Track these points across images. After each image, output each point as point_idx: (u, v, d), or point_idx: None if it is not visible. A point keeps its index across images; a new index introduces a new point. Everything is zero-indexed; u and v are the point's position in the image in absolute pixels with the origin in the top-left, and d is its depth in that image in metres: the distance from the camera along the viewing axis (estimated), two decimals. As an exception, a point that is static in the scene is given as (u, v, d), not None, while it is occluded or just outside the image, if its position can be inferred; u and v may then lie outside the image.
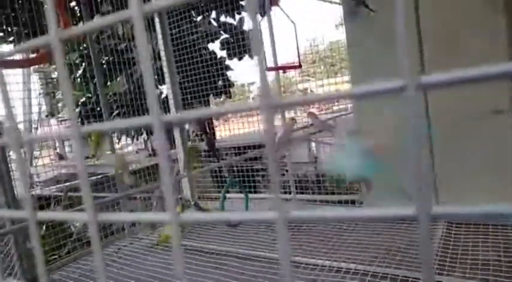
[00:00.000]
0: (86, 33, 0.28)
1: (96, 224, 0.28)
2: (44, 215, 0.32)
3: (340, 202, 2.59)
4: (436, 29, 2.10)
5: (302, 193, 2.92)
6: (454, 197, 2.13)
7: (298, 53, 2.10)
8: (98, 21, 0.27)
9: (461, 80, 0.18)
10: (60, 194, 3.58)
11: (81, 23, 2.55)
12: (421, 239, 0.20)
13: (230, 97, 4.65)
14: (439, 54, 2.07)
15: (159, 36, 3.08)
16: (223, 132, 4.40)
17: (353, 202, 2.54)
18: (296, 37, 2.06)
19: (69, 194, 2.82)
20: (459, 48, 2.02)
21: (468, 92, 1.77)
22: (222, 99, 5.46)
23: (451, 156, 2.11)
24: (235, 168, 3.34)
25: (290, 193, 2.84)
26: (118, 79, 3.68)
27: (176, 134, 3.27)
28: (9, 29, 4.47)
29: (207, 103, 4.24)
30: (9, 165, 2.27)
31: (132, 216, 0.26)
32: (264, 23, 2.43)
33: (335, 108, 4.86)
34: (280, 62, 2.54)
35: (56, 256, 2.36)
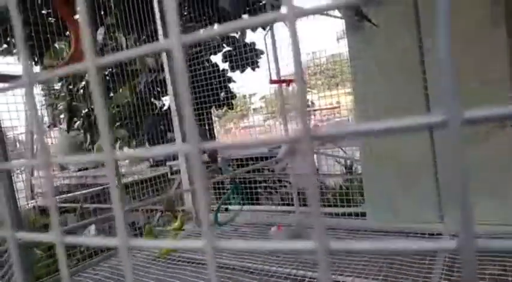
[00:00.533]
0: (121, 61, 0.28)
1: (127, 249, 0.28)
2: (73, 239, 0.32)
3: (343, 215, 2.58)
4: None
5: (305, 205, 2.91)
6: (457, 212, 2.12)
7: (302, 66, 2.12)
8: (134, 51, 0.27)
9: (506, 116, 0.18)
10: (62, 205, 3.56)
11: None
12: (464, 274, 0.20)
13: (232, 108, 4.67)
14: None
15: (163, 49, 3.11)
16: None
17: (357, 215, 2.53)
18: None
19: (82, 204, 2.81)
20: (459, 63, 2.04)
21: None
22: (223, 111, 5.48)
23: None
24: (237, 179, 3.34)
25: (293, 205, 2.83)
26: (121, 91, 3.70)
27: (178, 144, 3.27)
28: (13, 41, 4.51)
29: (209, 114, 4.25)
30: (12, 176, 2.27)
31: (166, 243, 0.26)
32: (266, 35, 2.46)
33: (337, 119, 4.89)
34: (283, 74, 2.56)
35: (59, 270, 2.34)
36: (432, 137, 2.19)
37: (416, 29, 2.17)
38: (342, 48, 2.90)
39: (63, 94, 4.44)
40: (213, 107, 4.23)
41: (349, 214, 2.57)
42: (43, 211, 3.24)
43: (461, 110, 0.18)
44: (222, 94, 4.12)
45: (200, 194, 0.24)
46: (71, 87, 4.07)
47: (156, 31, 3.18)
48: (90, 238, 0.31)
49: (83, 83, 4.26)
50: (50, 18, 3.61)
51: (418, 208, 2.24)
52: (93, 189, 3.36)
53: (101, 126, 0.27)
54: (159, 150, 0.26)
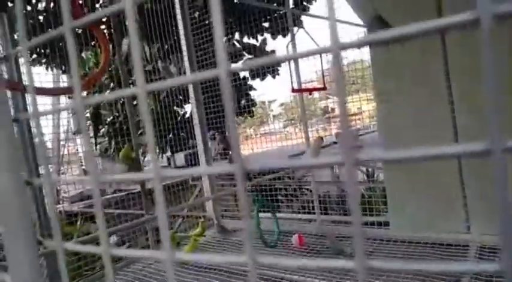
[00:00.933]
0: (169, 87, 0.30)
1: (172, 263, 0.30)
2: (119, 252, 0.34)
3: (366, 224, 2.55)
4: (464, 65, 2.07)
5: (326, 213, 2.89)
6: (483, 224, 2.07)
7: (323, 75, 2.12)
8: (183, 78, 0.29)
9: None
10: (87, 210, 3.66)
11: (111, 46, 2.65)
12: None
13: (252, 116, 4.70)
14: (467, 88, 2.05)
15: (186, 58, 3.17)
16: (245, 151, 4.44)
17: (380, 224, 2.49)
18: (321, 59, 2.09)
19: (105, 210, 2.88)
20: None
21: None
22: (243, 118, 5.51)
23: (481, 192, 2.05)
24: (257, 187, 3.35)
25: (313, 213, 2.81)
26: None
27: (200, 151, 3.32)
28: (43, 51, 4.70)
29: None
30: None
31: (209, 257, 0.27)
32: (288, 45, 2.48)
33: (358, 126, 4.84)
34: (304, 82, 2.57)
35: (88, 272, 2.40)
36: (456, 127, 2.14)
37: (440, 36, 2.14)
38: (363, 54, 2.89)
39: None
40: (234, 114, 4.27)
41: (372, 223, 2.53)
42: (69, 216, 3.34)
43: (504, 139, 0.19)
44: (243, 102, 4.15)
45: (245, 215, 0.26)
46: (96, 95, 4.21)
47: (179, 40, 3.25)
48: (136, 250, 0.32)
49: (107, 91, 4.39)
50: (76, 29, 3.76)
51: (444, 218, 2.19)
52: (118, 194, 3.44)
53: (149, 148, 0.28)
54: (210, 170, 0.28)
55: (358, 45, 0.21)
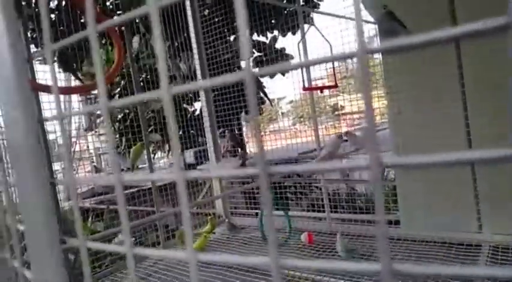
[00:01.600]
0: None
1: (196, 263, 0.30)
2: (142, 251, 0.34)
3: (375, 222, 2.53)
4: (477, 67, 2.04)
5: (336, 211, 2.88)
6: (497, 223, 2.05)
7: (335, 72, 2.11)
8: (209, 81, 0.29)
9: None
10: (98, 206, 3.70)
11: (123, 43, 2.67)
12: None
13: (261, 114, 4.70)
14: (480, 90, 2.03)
15: (196, 56, 3.18)
16: (254, 148, 4.43)
17: (390, 222, 2.47)
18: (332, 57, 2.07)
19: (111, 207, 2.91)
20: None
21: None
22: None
23: (493, 191, 2.02)
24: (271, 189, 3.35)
25: (323, 211, 2.81)
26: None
27: (210, 149, 3.33)
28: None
29: (238, 120, 4.30)
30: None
31: (233, 258, 0.28)
32: (299, 43, 2.47)
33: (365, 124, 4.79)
34: (314, 79, 2.55)
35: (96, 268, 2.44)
36: (470, 146, 2.12)
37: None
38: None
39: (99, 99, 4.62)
40: (242, 112, 4.27)
41: (382, 222, 2.51)
42: (82, 213, 3.38)
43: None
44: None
45: (269, 220, 0.26)
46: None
47: (189, 38, 3.26)
48: (159, 250, 0.33)
49: (118, 89, 4.43)
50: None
51: (456, 217, 2.17)
52: (129, 190, 3.47)
53: (175, 151, 0.29)
54: (235, 172, 0.28)
55: (386, 50, 0.21)
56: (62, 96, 3.90)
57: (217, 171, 0.33)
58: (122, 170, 5.14)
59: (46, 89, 1.39)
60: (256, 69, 0.27)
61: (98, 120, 5.07)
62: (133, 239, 3.34)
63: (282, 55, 3.99)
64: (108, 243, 3.30)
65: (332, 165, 0.24)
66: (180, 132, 3.95)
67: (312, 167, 0.25)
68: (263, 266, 0.27)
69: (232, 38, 4.21)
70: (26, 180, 0.39)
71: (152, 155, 4.37)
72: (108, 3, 4.18)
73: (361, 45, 0.22)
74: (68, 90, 1.54)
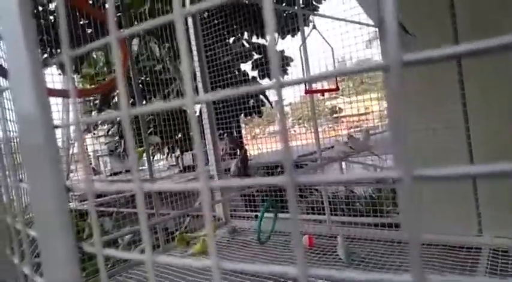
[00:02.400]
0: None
1: (219, 270, 0.30)
2: (163, 259, 0.34)
3: (376, 225, 2.53)
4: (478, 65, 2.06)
5: (335, 214, 2.88)
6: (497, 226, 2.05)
7: (336, 76, 2.11)
8: (229, 91, 0.29)
9: None
10: (98, 209, 3.68)
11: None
12: None
13: (261, 116, 4.70)
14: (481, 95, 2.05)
15: (195, 58, 3.18)
16: (253, 151, 4.44)
17: (389, 225, 2.48)
18: (334, 60, 2.08)
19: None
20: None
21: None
22: (250, 117, 5.52)
23: (493, 194, 2.03)
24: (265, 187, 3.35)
25: (323, 214, 2.80)
26: (154, 99, 3.82)
27: (209, 151, 3.33)
28: (53, 52, 4.74)
29: (237, 122, 4.30)
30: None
31: (256, 267, 0.28)
32: (296, 43, 2.47)
33: (364, 126, 4.81)
34: (314, 81, 2.55)
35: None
36: (471, 150, 2.13)
37: (453, 38, 2.13)
38: (372, 54, 2.87)
39: (97, 101, 4.63)
40: (242, 114, 4.28)
41: (382, 224, 2.52)
42: (81, 215, 3.37)
43: None
44: (251, 102, 4.16)
45: (294, 223, 0.26)
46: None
47: (189, 40, 3.27)
48: (182, 259, 0.33)
49: (117, 91, 4.42)
50: (88, 29, 3.79)
51: (456, 221, 2.17)
52: (129, 193, 3.46)
53: (199, 161, 0.29)
54: (259, 181, 0.28)
55: (425, 61, 0.21)
56: (58, 99, 3.88)
57: (244, 181, 0.33)
58: (120, 172, 5.13)
59: (61, 94, 1.39)
60: (283, 81, 0.27)
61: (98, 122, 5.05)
62: (133, 241, 3.32)
63: (281, 57, 3.99)
64: (114, 245, 3.28)
65: (361, 174, 0.24)
66: (180, 135, 3.94)
67: (342, 177, 0.25)
68: (292, 274, 0.27)
69: (231, 40, 4.22)
70: (44, 187, 0.39)
71: (152, 157, 4.36)
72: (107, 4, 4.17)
73: (396, 55, 0.22)
74: (80, 93, 1.53)
